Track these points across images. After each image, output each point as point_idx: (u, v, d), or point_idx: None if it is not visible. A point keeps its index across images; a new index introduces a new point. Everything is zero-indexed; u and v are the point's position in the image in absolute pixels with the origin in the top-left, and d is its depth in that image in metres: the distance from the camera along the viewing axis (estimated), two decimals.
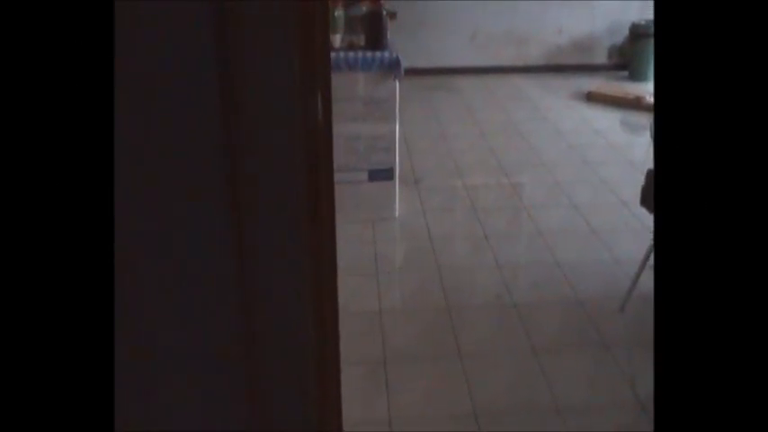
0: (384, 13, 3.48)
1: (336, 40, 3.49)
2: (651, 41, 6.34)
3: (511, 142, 4.85)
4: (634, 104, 5.59)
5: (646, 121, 5.33)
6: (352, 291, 2.94)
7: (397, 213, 3.64)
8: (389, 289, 2.99)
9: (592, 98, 5.82)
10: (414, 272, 3.15)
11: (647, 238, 3.25)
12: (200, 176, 0.84)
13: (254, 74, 0.88)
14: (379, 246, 3.36)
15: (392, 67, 3.42)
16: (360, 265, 3.17)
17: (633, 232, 3.48)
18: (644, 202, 2.76)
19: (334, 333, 1.26)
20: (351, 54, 3.39)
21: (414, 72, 5.12)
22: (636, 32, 6.42)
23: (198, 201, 0.85)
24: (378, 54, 3.42)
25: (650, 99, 5.59)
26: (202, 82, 0.81)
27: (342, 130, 3.45)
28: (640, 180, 4.38)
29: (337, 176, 3.41)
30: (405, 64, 3.42)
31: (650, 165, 4.55)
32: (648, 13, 6.56)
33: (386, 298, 2.91)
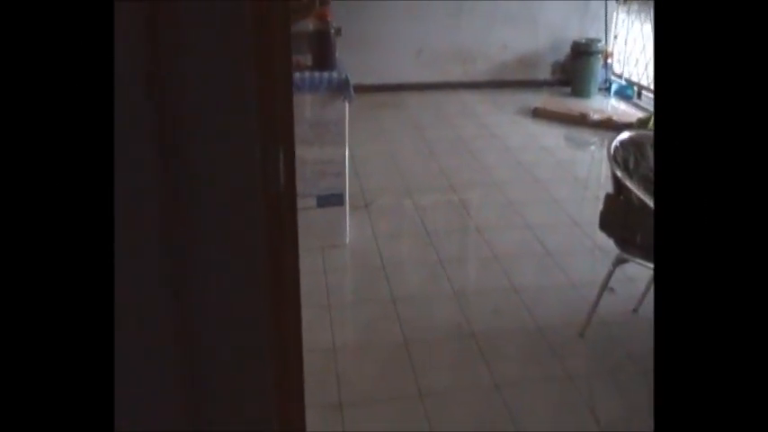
0: (332, 31, 3.33)
1: None
2: (591, 59, 6.41)
3: (461, 161, 4.76)
4: (579, 121, 5.59)
5: (589, 137, 5.35)
6: (303, 326, 2.75)
7: (347, 240, 3.47)
8: (343, 323, 2.82)
9: (538, 114, 5.81)
10: (368, 303, 2.98)
11: (602, 259, 3.19)
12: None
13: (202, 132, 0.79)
14: (331, 276, 3.18)
15: (341, 88, 3.26)
16: (311, 297, 2.98)
17: (587, 253, 3.42)
18: (603, 227, 2.68)
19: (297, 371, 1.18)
20: (297, 75, 3.21)
21: (359, 89, 4.97)
22: (577, 50, 6.47)
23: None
24: (326, 74, 3.26)
25: (594, 116, 5.62)
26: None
27: None
28: (590, 199, 4.37)
29: None
30: (351, 81, 3.27)
31: (599, 183, 4.55)
32: (588, 32, 6.62)
33: (340, 333, 2.73)
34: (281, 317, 1.25)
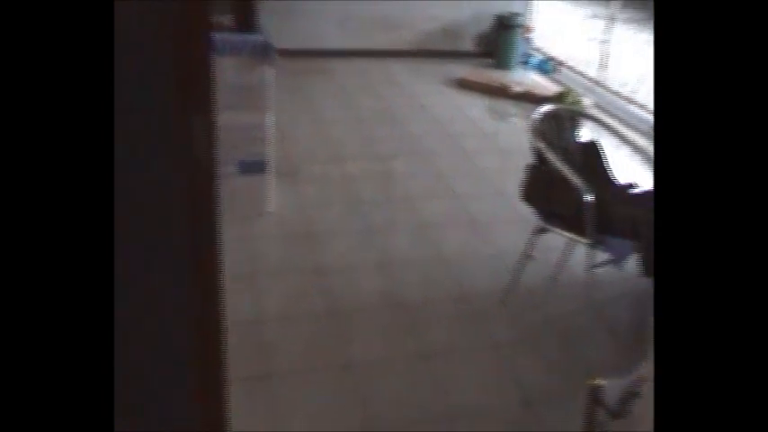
0: None
1: None
2: (514, 32, 6.46)
3: (388, 129, 4.70)
4: (501, 92, 5.64)
5: (511, 108, 5.41)
6: (226, 297, 2.64)
7: (272, 208, 3.36)
8: (268, 293, 2.72)
9: (462, 85, 5.81)
10: (293, 273, 2.90)
11: (525, 229, 3.23)
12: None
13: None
14: (255, 245, 3.07)
15: (265, 52, 3.11)
16: (234, 267, 2.87)
17: (510, 223, 3.45)
18: (524, 197, 2.69)
19: (217, 346, 1.20)
20: (218, 36, 3.04)
21: (284, 54, 4.79)
22: (500, 23, 6.50)
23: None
24: (249, 37, 3.10)
25: (516, 88, 5.68)
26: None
27: None
28: (513, 169, 4.41)
29: None
30: (275, 45, 3.12)
31: (521, 154, 4.59)
32: (511, 6, 6.66)
33: (264, 303, 2.64)
34: (201, 287, 1.17)
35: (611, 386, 1.47)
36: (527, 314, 2.73)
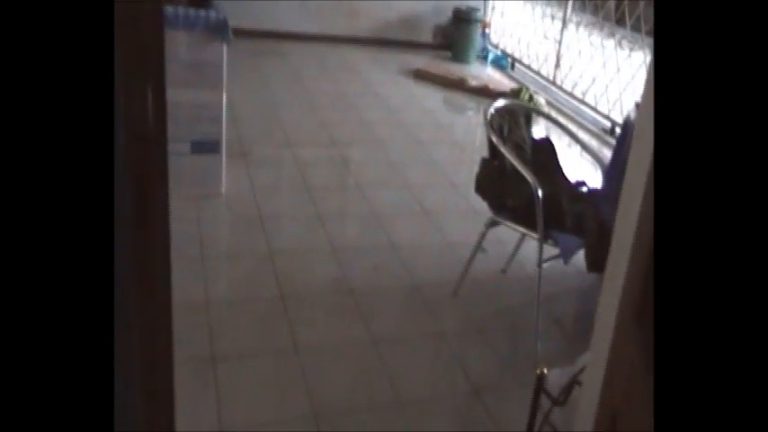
0: None
1: None
2: (471, 27, 6.50)
3: (343, 116, 4.66)
4: (458, 85, 5.67)
5: (467, 102, 5.45)
6: (174, 279, 2.57)
7: (223, 189, 3.28)
8: (217, 276, 2.67)
9: (419, 76, 5.82)
10: (243, 256, 2.85)
11: (477, 221, 3.26)
12: None
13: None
14: (205, 226, 2.99)
15: (219, 29, 3.03)
16: (183, 249, 2.79)
17: (463, 215, 3.48)
18: (477, 189, 2.72)
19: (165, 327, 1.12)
20: (170, 9, 2.93)
21: (238, 33, 4.68)
22: (458, 16, 6.53)
23: None
24: (202, 12, 3.01)
25: (472, 82, 5.72)
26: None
27: None
28: (467, 162, 4.45)
29: None
30: (230, 24, 3.05)
31: (475, 148, 4.64)
32: (470, 1, 6.69)
33: (213, 287, 2.58)
34: (148, 268, 1.12)
35: (554, 375, 1.50)
36: (477, 305, 2.75)
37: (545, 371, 1.32)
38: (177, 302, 2.49)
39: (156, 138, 1.00)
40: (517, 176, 2.47)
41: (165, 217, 1.01)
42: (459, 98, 5.50)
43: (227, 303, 2.51)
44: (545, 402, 1.35)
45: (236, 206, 3.24)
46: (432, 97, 5.39)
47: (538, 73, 6.18)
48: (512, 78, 6.27)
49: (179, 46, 3.03)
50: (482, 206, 2.74)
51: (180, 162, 3.12)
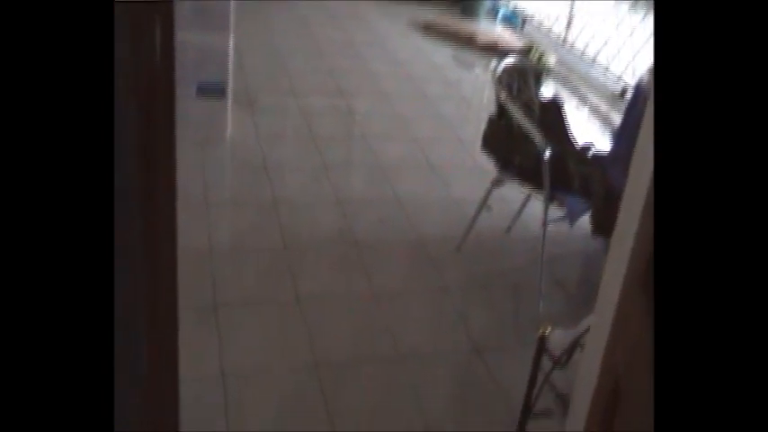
0: None
1: None
2: None
3: (350, 66, 4.57)
4: (467, 41, 5.54)
5: (476, 59, 5.33)
6: (178, 224, 2.55)
7: (228, 135, 3.24)
8: (221, 224, 2.65)
9: (428, 29, 5.68)
10: (248, 205, 2.82)
11: (483, 178, 3.23)
12: None
13: None
14: (209, 172, 2.96)
15: None
16: (186, 195, 2.76)
17: (469, 171, 3.44)
18: (484, 147, 2.68)
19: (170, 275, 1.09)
20: None
21: None
22: None
23: None
24: None
25: (482, 39, 5.59)
26: None
27: None
28: (474, 119, 4.39)
29: None
30: None
31: (482, 105, 4.57)
32: None
33: (217, 234, 2.57)
34: (153, 213, 1.09)
35: (557, 336, 1.50)
36: (480, 263, 2.75)
37: (547, 331, 1.31)
38: (181, 249, 2.49)
39: (163, 77, 0.96)
40: (524, 136, 2.43)
41: (171, 158, 0.98)
42: (468, 55, 5.38)
43: (230, 251, 2.50)
44: (546, 363, 1.35)
45: (241, 153, 3.20)
46: (440, 52, 5.27)
47: (549, 32, 6.04)
48: (522, 36, 6.13)
49: None
50: (488, 164, 2.70)
51: (185, 105, 3.07)
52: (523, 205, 2.92)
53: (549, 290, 2.53)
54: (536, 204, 2.61)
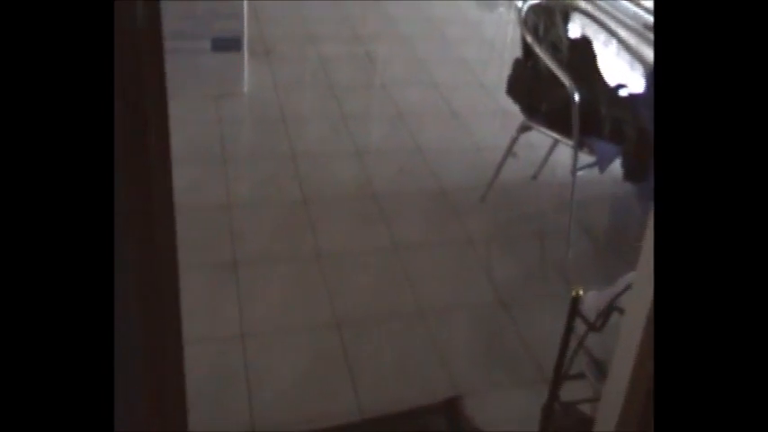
0: None
1: None
2: None
3: (367, 10, 4.35)
4: None
5: None
6: (194, 181, 2.47)
7: (245, 88, 3.10)
8: (239, 178, 2.55)
9: None
10: (265, 158, 2.71)
11: (506, 123, 3.06)
12: None
13: None
14: (226, 127, 2.85)
15: None
16: (203, 150, 2.67)
17: (492, 116, 3.28)
18: (509, 92, 2.51)
19: (167, 231, 0.96)
20: None
21: None
22: None
23: None
24: None
25: None
26: None
27: None
28: (497, 61, 4.17)
29: (174, 45, 2.69)
30: None
31: (505, 46, 4.34)
32: None
33: (234, 189, 2.47)
34: (147, 176, 0.97)
35: (591, 298, 1.38)
36: (505, 212, 2.62)
37: (580, 292, 1.19)
38: (197, 205, 2.41)
39: (150, 39, 0.84)
40: (552, 79, 2.25)
41: (163, 128, 0.87)
42: None
43: (249, 206, 2.41)
44: (579, 326, 1.24)
45: (258, 106, 3.07)
46: None
47: None
48: None
49: None
50: (513, 108, 2.54)
51: (200, 60, 2.94)
52: (550, 150, 2.76)
53: (576, 238, 2.39)
54: (563, 149, 2.45)
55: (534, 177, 2.80)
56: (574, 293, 1.18)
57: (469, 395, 1.80)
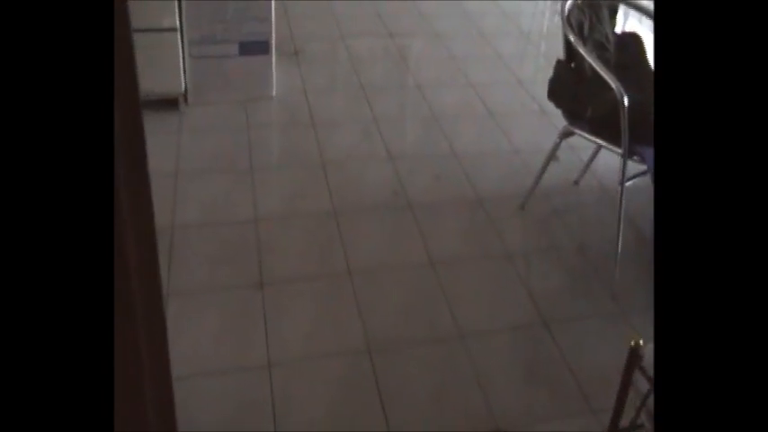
0: None
1: None
2: None
3: (400, 6, 4.18)
4: None
5: None
6: (221, 193, 2.37)
7: (274, 92, 2.99)
8: (266, 189, 2.44)
9: None
10: (295, 167, 2.60)
11: (546, 122, 2.89)
12: None
13: None
14: (254, 133, 2.74)
15: None
16: (231, 159, 2.57)
17: (530, 115, 3.09)
18: (551, 95, 2.33)
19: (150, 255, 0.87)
20: None
21: None
22: None
23: None
24: None
25: None
26: None
27: None
28: (534, 55, 3.97)
29: (202, 50, 2.57)
30: None
31: (545, 39, 4.12)
32: None
33: (262, 201, 2.37)
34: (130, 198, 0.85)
35: (652, 350, 1.22)
36: (547, 221, 2.45)
37: (640, 342, 1.04)
38: (224, 219, 2.31)
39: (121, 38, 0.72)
40: (598, 81, 2.07)
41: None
42: None
43: (277, 219, 2.30)
44: (640, 380, 1.08)
45: (288, 110, 2.95)
46: None
47: None
48: None
49: None
50: (552, 106, 2.36)
51: (228, 65, 2.84)
52: (594, 154, 2.57)
53: (625, 254, 2.20)
54: (609, 152, 2.27)
55: (576, 183, 2.62)
56: (633, 343, 1.02)
57: (511, 429, 1.66)
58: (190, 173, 2.46)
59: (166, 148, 2.55)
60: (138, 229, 0.83)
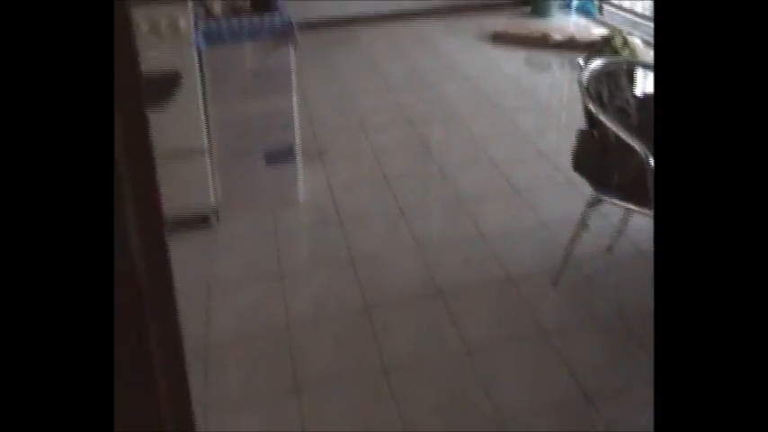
0: None
1: (215, 6, 2.81)
2: None
3: (419, 94, 4.33)
4: (540, 43, 5.14)
5: (551, 59, 4.92)
6: (253, 300, 2.41)
7: (300, 197, 3.09)
8: (297, 293, 2.47)
9: (498, 39, 5.34)
10: (324, 267, 2.63)
11: (573, 193, 2.87)
12: None
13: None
14: (282, 239, 2.81)
15: (286, 33, 2.79)
16: (261, 267, 2.63)
17: (556, 187, 3.08)
18: (576, 167, 2.32)
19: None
20: (234, 22, 2.74)
21: (306, 26, 4.45)
22: None
23: None
24: (267, 18, 2.78)
25: (556, 36, 5.17)
26: None
27: (229, 110, 2.83)
28: (554, 126, 4.00)
29: (230, 165, 2.74)
30: (295, 19, 2.81)
31: (564, 109, 4.17)
32: None
33: (293, 306, 2.39)
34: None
35: None
36: (582, 294, 2.38)
37: None
38: (256, 327, 2.33)
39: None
40: (622, 147, 2.05)
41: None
42: (543, 56, 4.98)
43: (309, 323, 2.31)
44: None
45: (314, 212, 3.03)
46: (512, 60, 4.91)
47: (631, 11, 5.50)
48: (601, 24, 5.63)
49: (245, 57, 2.84)
50: (577, 175, 2.35)
51: (255, 175, 2.96)
52: (625, 218, 2.52)
53: None
54: (639, 216, 2.22)
55: (609, 249, 2.56)
56: None
57: None
58: (223, 284, 2.52)
59: (200, 264, 2.64)
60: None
